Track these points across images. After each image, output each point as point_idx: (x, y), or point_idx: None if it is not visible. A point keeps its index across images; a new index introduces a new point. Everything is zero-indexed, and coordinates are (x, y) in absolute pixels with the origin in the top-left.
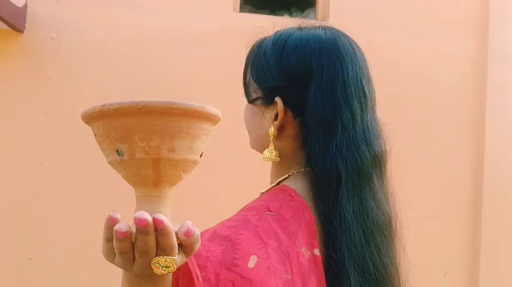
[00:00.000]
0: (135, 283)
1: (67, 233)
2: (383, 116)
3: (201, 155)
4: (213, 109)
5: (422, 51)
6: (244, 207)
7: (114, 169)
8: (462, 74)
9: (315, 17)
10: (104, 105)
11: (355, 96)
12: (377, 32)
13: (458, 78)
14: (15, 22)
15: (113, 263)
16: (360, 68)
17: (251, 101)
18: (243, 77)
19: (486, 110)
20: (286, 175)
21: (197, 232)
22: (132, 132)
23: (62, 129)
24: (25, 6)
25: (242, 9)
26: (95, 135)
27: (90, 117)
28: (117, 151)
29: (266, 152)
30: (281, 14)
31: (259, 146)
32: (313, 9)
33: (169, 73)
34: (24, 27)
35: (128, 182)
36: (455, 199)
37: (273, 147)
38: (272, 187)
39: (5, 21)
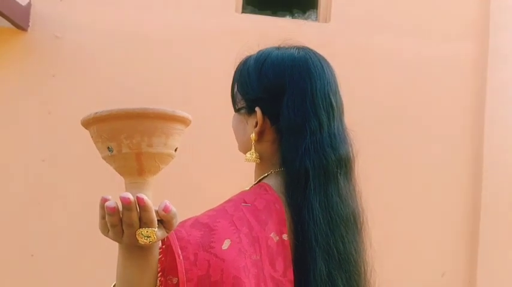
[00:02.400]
0: (127, 255)
1: (68, 230)
2: (383, 116)
3: (175, 150)
4: (182, 113)
5: (422, 53)
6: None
7: (107, 162)
8: (462, 76)
9: (316, 19)
10: (96, 112)
11: (323, 107)
12: (378, 34)
13: (459, 80)
14: (19, 20)
15: (107, 237)
16: (328, 83)
17: (237, 110)
18: (231, 89)
19: (485, 112)
20: (266, 174)
21: (173, 209)
22: (119, 132)
23: (64, 127)
24: (29, 4)
25: (244, 10)
26: (92, 137)
27: (87, 123)
28: (108, 147)
29: (248, 155)
30: (283, 15)
31: (244, 149)
32: (315, 10)
33: (171, 73)
34: (28, 26)
35: (118, 173)
36: (453, 200)
37: (253, 150)
38: (254, 185)
39: (9, 20)
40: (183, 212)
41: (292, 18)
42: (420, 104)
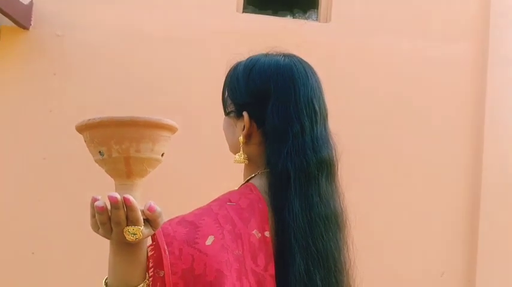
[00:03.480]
0: (117, 251)
1: (69, 228)
2: (382, 116)
3: (162, 155)
4: (168, 121)
5: (422, 54)
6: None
7: (99, 165)
8: (462, 77)
9: (317, 19)
10: (89, 119)
11: (306, 112)
12: (378, 34)
13: (458, 81)
14: (21, 19)
15: (98, 233)
16: (311, 89)
17: (226, 113)
18: (222, 94)
19: (485, 113)
20: (253, 175)
21: (158, 209)
22: (109, 138)
23: (65, 125)
24: (31, 3)
25: (245, 9)
26: (85, 141)
27: (80, 128)
28: (99, 152)
29: (237, 156)
30: (284, 15)
31: (233, 151)
32: (316, 10)
33: (171, 72)
34: (30, 24)
35: (109, 175)
36: (453, 200)
37: (242, 152)
38: (242, 185)
39: (10, 18)
40: (180, 210)
41: (293, 18)
42: (420, 104)
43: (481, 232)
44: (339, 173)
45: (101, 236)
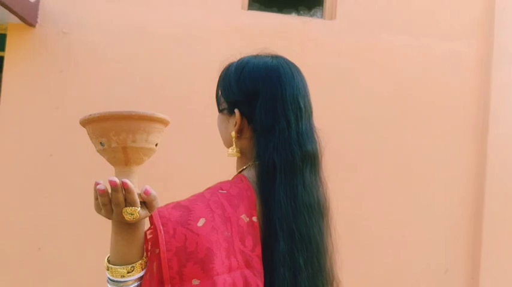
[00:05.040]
0: (117, 231)
1: (75, 224)
2: (387, 113)
3: (156, 145)
4: (160, 115)
5: (427, 52)
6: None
7: (101, 155)
8: (467, 75)
9: (322, 16)
10: (91, 114)
11: (291, 109)
12: (383, 32)
13: (463, 79)
14: (28, 16)
15: (100, 214)
16: (297, 88)
17: (220, 111)
18: (216, 92)
19: (490, 110)
20: (245, 167)
21: (153, 192)
22: (109, 130)
23: (71, 122)
24: (37, 1)
25: (250, 7)
26: (88, 134)
27: (83, 122)
28: (100, 143)
29: (230, 150)
30: (288, 13)
31: (227, 145)
32: (321, 8)
33: (176, 69)
34: (36, 22)
35: (109, 163)
36: (456, 197)
37: (234, 146)
38: (235, 175)
39: (17, 15)
40: (180, 196)
41: (298, 15)
42: (424, 101)
43: (485, 229)
44: (323, 165)
45: (107, 232)
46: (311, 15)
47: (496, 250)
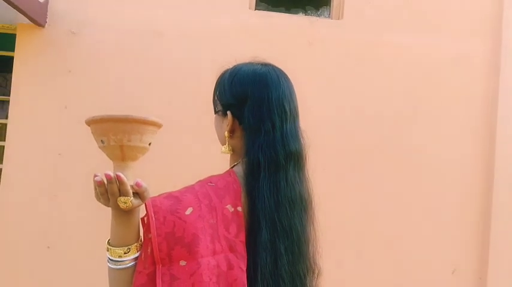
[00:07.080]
0: (115, 216)
1: (84, 223)
2: (395, 112)
3: (149, 144)
4: (153, 118)
5: (435, 51)
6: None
7: (102, 151)
8: (475, 74)
9: (329, 16)
10: (94, 116)
11: (277, 112)
12: (390, 31)
13: (471, 78)
14: (37, 16)
15: (100, 202)
16: (282, 93)
17: (216, 112)
18: (213, 95)
19: (498, 110)
20: (236, 163)
21: (144, 184)
22: (108, 131)
23: (80, 121)
24: (46, 1)
25: (258, 7)
26: (92, 133)
27: (88, 123)
28: (101, 140)
29: (223, 148)
30: (296, 12)
31: (222, 143)
32: (328, 7)
33: (185, 69)
34: (45, 22)
35: (109, 158)
36: (464, 197)
37: (227, 144)
38: (227, 170)
39: (26, 16)
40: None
41: (305, 15)
42: (432, 100)
43: (493, 229)
44: (307, 163)
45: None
46: (318, 15)
47: (504, 250)
